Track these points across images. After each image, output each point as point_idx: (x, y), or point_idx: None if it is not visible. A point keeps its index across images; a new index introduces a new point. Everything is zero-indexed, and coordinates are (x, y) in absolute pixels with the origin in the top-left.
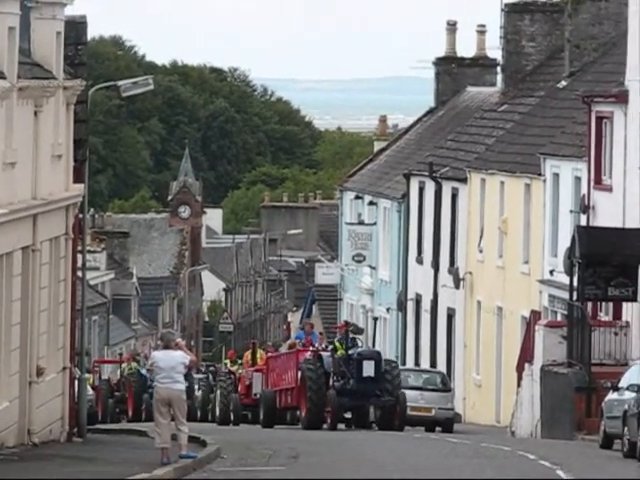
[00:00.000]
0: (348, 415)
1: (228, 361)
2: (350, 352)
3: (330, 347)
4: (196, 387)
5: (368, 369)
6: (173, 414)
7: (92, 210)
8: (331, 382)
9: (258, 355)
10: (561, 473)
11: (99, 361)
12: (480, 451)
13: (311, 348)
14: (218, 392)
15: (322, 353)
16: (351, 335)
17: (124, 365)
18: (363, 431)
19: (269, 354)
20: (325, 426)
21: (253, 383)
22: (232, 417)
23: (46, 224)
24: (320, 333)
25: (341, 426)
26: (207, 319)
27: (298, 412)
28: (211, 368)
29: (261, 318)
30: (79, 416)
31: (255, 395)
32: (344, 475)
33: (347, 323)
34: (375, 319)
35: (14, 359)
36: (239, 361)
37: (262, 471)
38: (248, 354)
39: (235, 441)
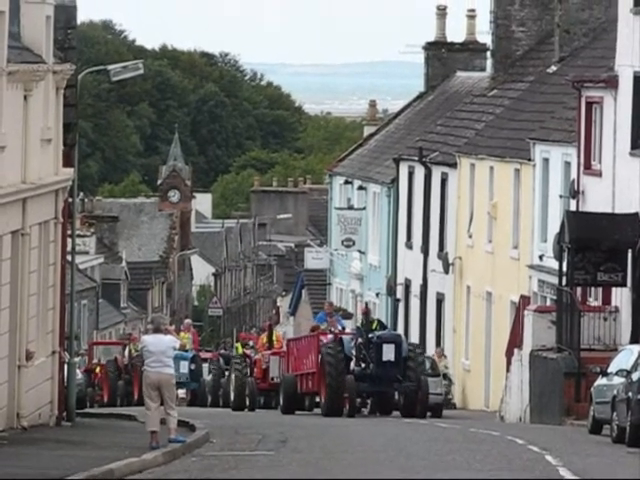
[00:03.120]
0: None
1: (239, 344)
2: (370, 335)
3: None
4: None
5: (388, 353)
6: (162, 398)
7: (81, 194)
8: (352, 367)
9: (274, 337)
10: (550, 458)
11: (96, 343)
12: (469, 436)
13: (332, 330)
14: (233, 376)
15: (343, 337)
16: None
17: (132, 345)
18: (373, 418)
19: (257, 338)
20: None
21: (270, 367)
22: (248, 402)
23: (36, 208)
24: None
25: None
26: (196, 303)
27: (317, 398)
28: (222, 351)
29: (250, 303)
30: (68, 400)
31: (272, 379)
32: (331, 460)
33: (367, 305)
34: (397, 300)
35: (3, 343)
36: (250, 344)
37: (250, 455)
38: (263, 337)
39: (224, 426)
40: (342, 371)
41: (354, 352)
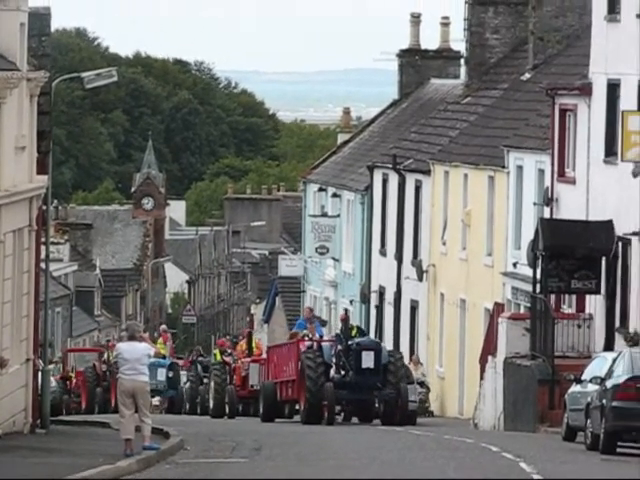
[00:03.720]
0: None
1: (217, 351)
2: (349, 342)
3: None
4: (183, 379)
5: (367, 360)
6: (137, 405)
7: (55, 202)
8: (332, 374)
9: (253, 344)
10: (524, 465)
11: (72, 350)
12: (443, 443)
13: (310, 337)
14: (212, 384)
15: (323, 343)
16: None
17: (110, 352)
18: (352, 426)
19: (237, 345)
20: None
21: (250, 374)
22: (227, 410)
23: (10, 216)
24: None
25: (355, 420)
26: (170, 311)
27: (297, 405)
28: (200, 359)
29: (224, 310)
30: (42, 407)
31: (252, 387)
32: (304, 467)
33: (347, 312)
34: (377, 307)
35: None
36: (228, 351)
37: (225, 463)
38: (243, 344)
39: (199, 433)
40: (321, 379)
41: (334, 359)
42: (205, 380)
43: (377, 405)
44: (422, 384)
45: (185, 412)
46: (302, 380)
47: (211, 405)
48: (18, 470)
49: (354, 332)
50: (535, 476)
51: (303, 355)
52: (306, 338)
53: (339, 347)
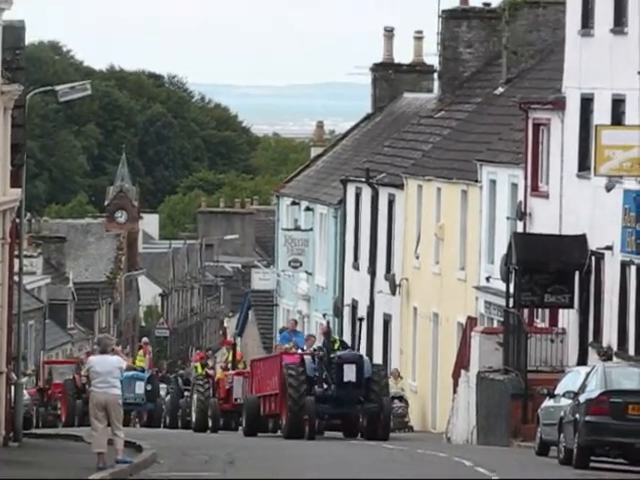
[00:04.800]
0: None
1: (198, 364)
2: (331, 356)
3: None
4: (163, 392)
5: (349, 374)
6: (109, 419)
7: (29, 215)
8: (316, 388)
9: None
10: None
11: (49, 362)
12: (416, 457)
13: (293, 351)
14: (195, 396)
15: (305, 357)
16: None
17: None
18: (332, 441)
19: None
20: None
21: (234, 387)
22: (210, 423)
23: None
24: (311, 336)
25: (334, 434)
26: (143, 324)
27: (280, 420)
28: (180, 372)
29: (197, 323)
30: (15, 420)
31: (236, 400)
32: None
33: (329, 324)
34: (360, 319)
35: None
36: (209, 364)
37: (198, 477)
38: (228, 356)
39: (172, 446)
40: (303, 393)
41: (317, 373)
42: (186, 393)
43: (361, 420)
44: (401, 398)
45: (165, 426)
46: (284, 394)
47: (194, 419)
48: None
49: (337, 345)
50: None
51: (285, 369)
52: (292, 351)
53: (320, 360)
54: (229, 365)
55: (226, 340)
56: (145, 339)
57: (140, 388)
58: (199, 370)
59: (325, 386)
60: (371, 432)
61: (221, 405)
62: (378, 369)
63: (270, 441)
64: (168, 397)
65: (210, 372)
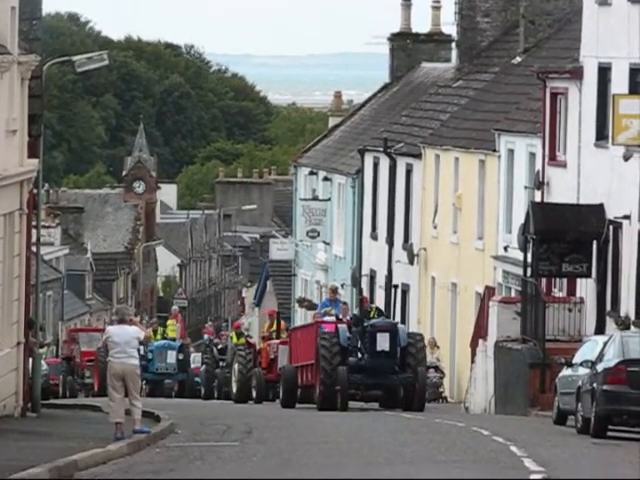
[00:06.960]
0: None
1: (234, 333)
2: (365, 324)
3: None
4: (191, 361)
5: (382, 343)
6: (127, 389)
7: (47, 185)
8: (350, 358)
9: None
10: (515, 449)
11: (75, 329)
12: (434, 427)
13: (328, 319)
14: (235, 366)
15: (340, 326)
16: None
17: None
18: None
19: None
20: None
21: (279, 357)
22: (255, 394)
23: (0, 199)
24: (344, 303)
25: (375, 405)
26: (161, 294)
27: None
28: (215, 341)
29: (215, 294)
30: (33, 391)
31: (280, 370)
32: (294, 451)
33: (364, 297)
34: (395, 286)
35: None
36: (246, 333)
37: (215, 446)
38: (268, 325)
39: (190, 416)
40: (335, 364)
41: (351, 342)
42: (221, 363)
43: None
44: (437, 368)
45: (201, 397)
46: (318, 364)
47: (234, 389)
48: (8, 454)
49: (372, 313)
50: (525, 460)
51: (319, 339)
52: (331, 313)
53: (355, 329)
54: (272, 334)
55: (271, 310)
56: (175, 307)
57: (172, 357)
58: (234, 340)
59: (359, 356)
60: (407, 403)
61: (265, 375)
62: (415, 338)
63: (298, 412)
64: (203, 367)
65: (252, 341)
